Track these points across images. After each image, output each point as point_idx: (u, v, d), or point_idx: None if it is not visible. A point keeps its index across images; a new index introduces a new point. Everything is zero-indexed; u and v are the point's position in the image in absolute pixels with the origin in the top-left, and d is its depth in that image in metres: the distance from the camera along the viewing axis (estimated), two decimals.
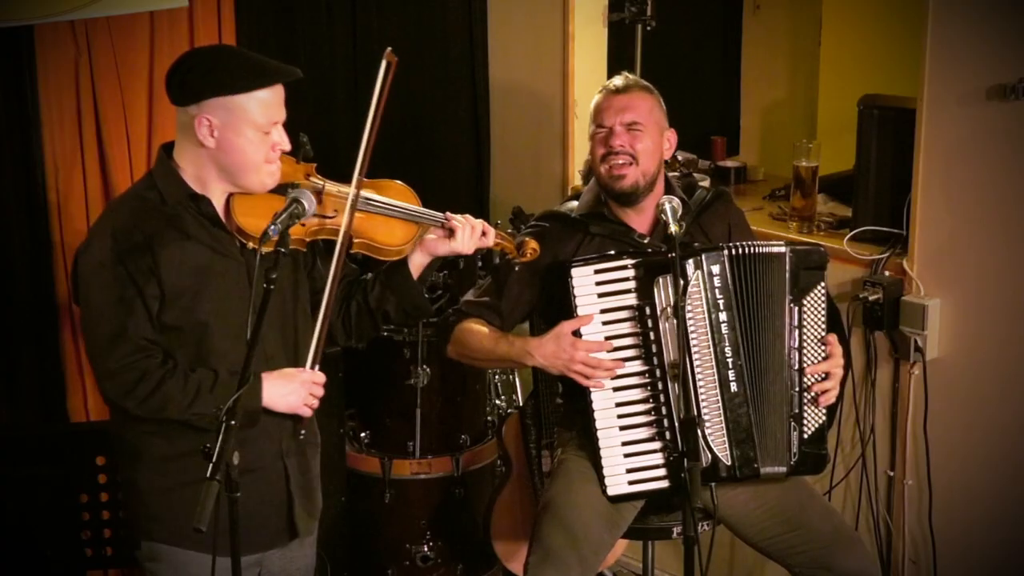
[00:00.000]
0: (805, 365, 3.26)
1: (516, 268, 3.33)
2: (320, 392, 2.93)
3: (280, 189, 2.89)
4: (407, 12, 4.62)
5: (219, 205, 2.88)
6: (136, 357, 2.82)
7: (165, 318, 2.84)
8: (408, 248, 3.04)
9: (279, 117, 2.85)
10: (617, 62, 4.55)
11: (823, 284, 3.27)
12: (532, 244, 3.18)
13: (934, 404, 3.79)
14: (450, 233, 3.05)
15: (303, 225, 2.89)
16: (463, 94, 4.73)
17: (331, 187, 2.97)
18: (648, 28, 4.45)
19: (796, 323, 3.25)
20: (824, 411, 3.29)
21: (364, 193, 2.98)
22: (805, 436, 3.27)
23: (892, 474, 3.92)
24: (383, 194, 3.03)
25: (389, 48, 2.99)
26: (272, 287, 2.63)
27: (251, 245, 2.87)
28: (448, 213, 3.06)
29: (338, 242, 2.93)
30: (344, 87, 4.50)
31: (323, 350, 2.94)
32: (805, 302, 3.26)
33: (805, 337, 3.26)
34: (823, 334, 3.27)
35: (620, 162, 3.30)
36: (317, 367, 2.92)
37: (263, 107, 2.81)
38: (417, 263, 3.07)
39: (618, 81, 3.38)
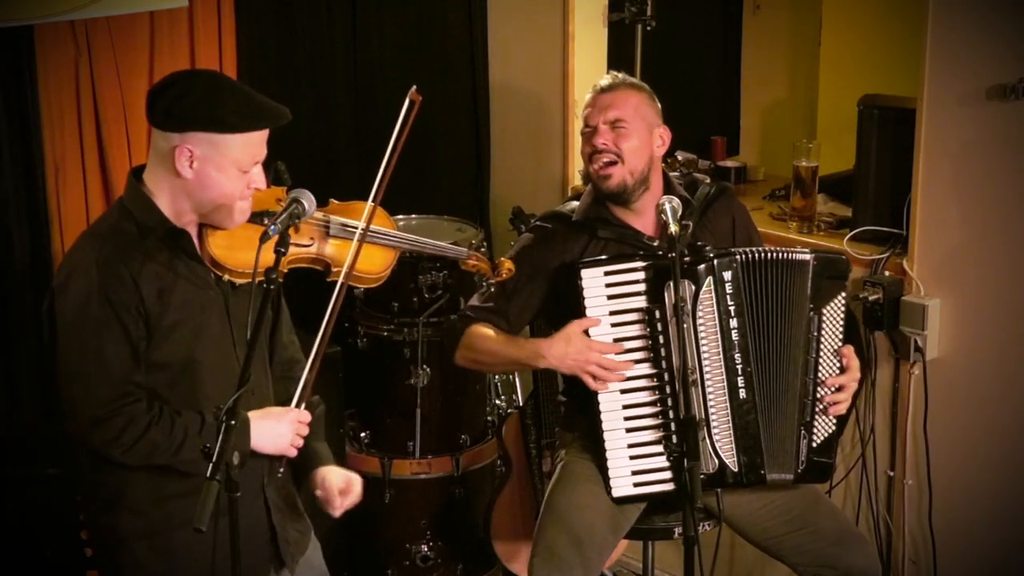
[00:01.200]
0: (820, 375, 3.25)
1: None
2: (306, 431, 2.87)
3: (255, 217, 2.82)
4: (407, 12, 4.62)
5: (193, 236, 2.80)
6: (124, 402, 2.71)
7: (154, 357, 2.75)
8: (386, 275, 2.99)
9: (261, 156, 2.77)
10: (617, 62, 4.54)
11: (844, 294, 3.27)
12: (507, 264, 3.20)
13: (934, 404, 3.78)
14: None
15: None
16: (463, 94, 4.73)
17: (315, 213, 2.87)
18: (648, 28, 4.44)
19: (815, 332, 3.24)
20: (834, 421, 3.28)
21: (340, 219, 2.91)
22: (814, 445, 3.27)
23: (892, 474, 3.92)
24: (356, 218, 2.94)
25: (414, 87, 2.91)
26: (272, 287, 2.63)
27: (226, 277, 2.80)
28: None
29: (340, 277, 2.86)
30: (344, 87, 4.50)
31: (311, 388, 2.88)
32: (825, 311, 3.24)
33: (823, 347, 3.24)
34: (839, 345, 3.26)
35: (605, 161, 3.29)
36: (303, 406, 2.86)
37: (249, 147, 2.73)
38: None
39: (604, 80, 3.37)
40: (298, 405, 2.85)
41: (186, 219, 2.79)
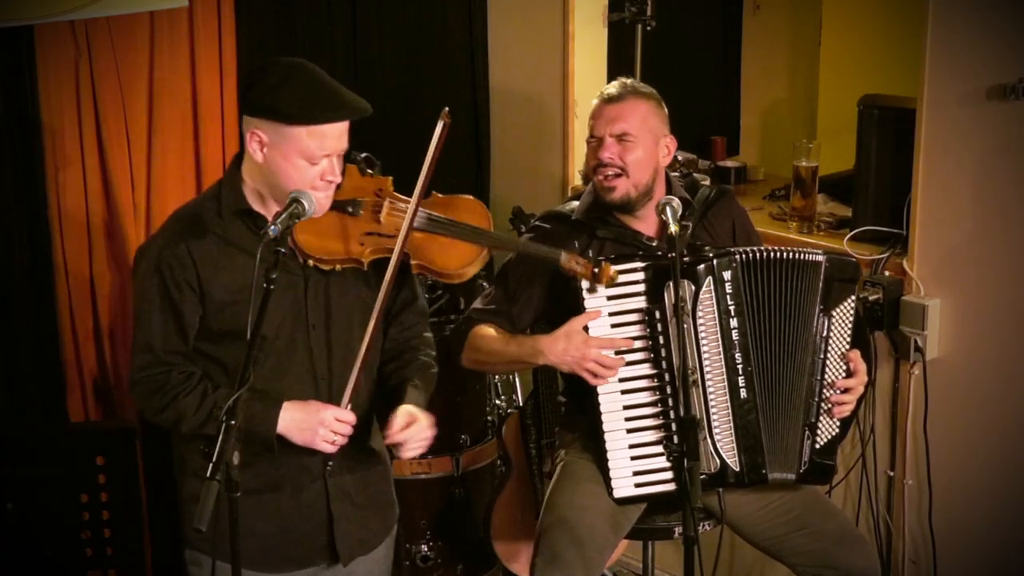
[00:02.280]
0: (827, 377, 3.24)
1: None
2: (345, 431, 2.87)
3: (341, 205, 2.85)
4: (407, 12, 4.61)
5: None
6: (158, 370, 2.84)
7: (215, 326, 2.84)
8: (470, 271, 2.94)
9: (333, 149, 2.78)
10: (617, 62, 4.55)
11: (854, 297, 3.26)
12: (609, 270, 3.08)
13: (934, 404, 3.78)
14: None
15: (361, 244, 2.85)
16: (463, 94, 4.73)
17: (399, 204, 2.89)
18: (648, 28, 4.45)
19: (824, 334, 3.23)
20: (839, 424, 3.28)
21: (425, 211, 2.89)
22: (817, 446, 3.27)
23: (892, 474, 3.92)
24: (451, 212, 2.93)
25: (447, 108, 2.91)
26: (272, 287, 2.62)
27: (311, 262, 2.84)
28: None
29: (388, 271, 2.84)
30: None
31: (360, 387, 2.88)
32: (835, 313, 3.24)
33: (831, 349, 3.24)
34: (847, 347, 3.25)
35: (610, 174, 3.27)
36: (350, 405, 2.87)
37: (316, 139, 2.75)
38: None
39: (613, 88, 3.32)
40: (346, 404, 2.86)
41: (269, 201, 2.85)
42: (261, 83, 2.78)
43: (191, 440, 2.90)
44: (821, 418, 3.26)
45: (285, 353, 2.88)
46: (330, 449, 2.87)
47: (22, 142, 3.79)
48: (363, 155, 2.95)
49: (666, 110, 3.35)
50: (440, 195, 2.99)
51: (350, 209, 2.85)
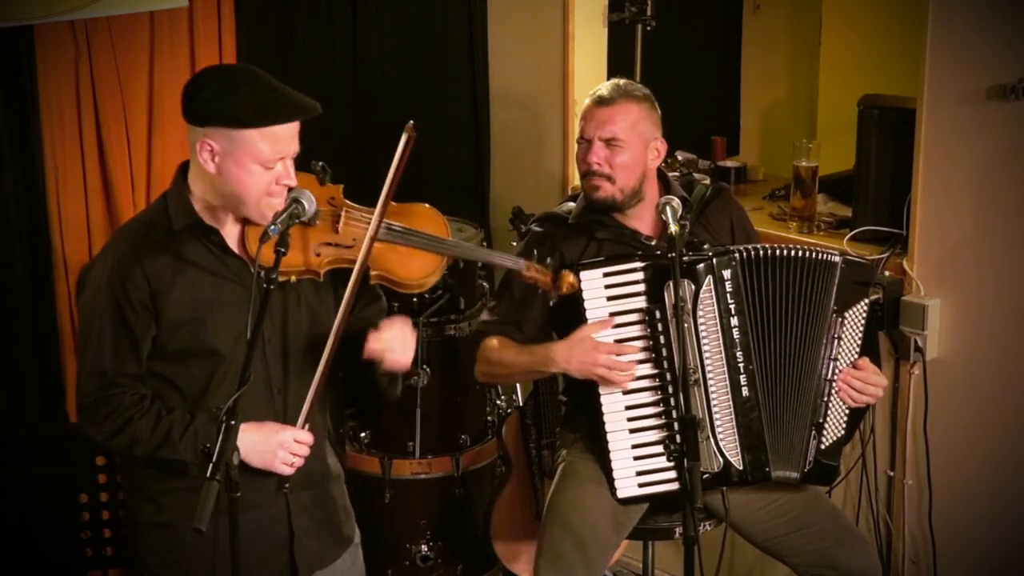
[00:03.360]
0: (836, 377, 3.24)
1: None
2: (303, 452, 2.82)
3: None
4: (407, 12, 4.62)
5: (231, 232, 2.79)
6: (110, 392, 2.76)
7: (169, 346, 2.77)
8: (431, 281, 2.89)
9: (287, 152, 2.73)
10: (617, 62, 4.55)
11: (867, 300, 3.25)
12: (569, 278, 3.08)
13: (934, 404, 3.78)
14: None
15: (318, 255, 2.80)
16: (463, 94, 4.73)
17: (354, 213, 2.84)
18: (648, 28, 4.44)
19: (836, 334, 3.22)
20: (845, 425, 3.28)
21: (384, 221, 2.83)
22: (823, 447, 3.27)
23: (892, 474, 3.92)
24: (407, 221, 2.88)
25: (411, 122, 2.83)
26: (272, 287, 2.61)
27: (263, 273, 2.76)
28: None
29: (350, 282, 2.79)
30: (344, 87, 4.50)
31: (316, 408, 2.83)
32: (848, 315, 3.23)
33: (842, 350, 3.24)
34: (859, 348, 3.25)
35: (595, 178, 3.26)
36: (307, 426, 2.82)
37: (270, 141, 2.70)
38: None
39: (604, 90, 3.29)
40: (303, 424, 2.81)
41: (219, 214, 2.79)
42: (206, 91, 2.72)
43: (145, 465, 2.82)
44: (829, 418, 3.26)
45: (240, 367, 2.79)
46: (288, 471, 2.82)
47: (22, 142, 3.79)
48: (319, 163, 2.87)
49: (659, 111, 3.34)
50: (395, 203, 2.91)
51: (306, 219, 2.78)
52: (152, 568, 2.91)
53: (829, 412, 3.26)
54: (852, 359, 3.25)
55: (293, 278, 2.81)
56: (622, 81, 3.35)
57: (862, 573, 3.26)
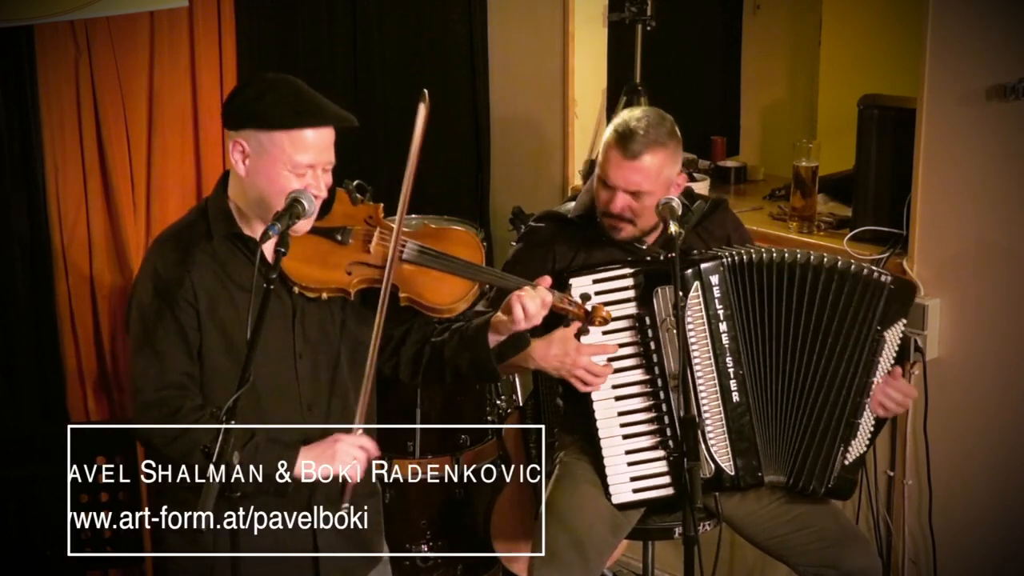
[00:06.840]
0: (869, 397, 3.23)
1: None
2: (362, 456, 2.80)
3: (330, 233, 2.78)
4: (407, 12, 4.62)
5: (266, 244, 2.71)
6: (173, 392, 2.74)
7: (204, 351, 2.77)
8: (460, 307, 2.85)
9: (319, 161, 2.71)
10: (617, 62, 4.55)
11: (905, 321, 3.24)
12: (602, 312, 3.00)
13: (934, 404, 3.78)
14: (507, 309, 2.86)
15: (349, 274, 2.79)
16: (463, 94, 4.73)
17: (388, 234, 2.80)
18: (648, 28, 4.44)
19: (874, 356, 3.21)
20: (868, 441, 3.28)
21: (416, 243, 2.82)
22: (847, 462, 3.27)
23: (892, 474, 3.91)
24: (444, 245, 2.85)
25: (425, 91, 2.85)
26: (271, 287, 2.60)
27: (297, 290, 2.78)
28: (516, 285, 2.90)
29: (381, 298, 2.76)
30: (344, 87, 4.50)
31: (368, 414, 2.81)
32: (887, 335, 3.22)
33: (879, 369, 3.23)
34: (890, 368, 3.24)
35: (617, 223, 3.24)
36: (361, 431, 2.81)
37: (299, 147, 2.68)
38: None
39: (631, 139, 3.17)
40: (358, 431, 2.80)
41: (253, 223, 2.78)
42: (242, 94, 2.75)
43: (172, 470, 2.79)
44: (857, 435, 3.26)
45: (272, 381, 2.80)
46: (358, 469, 2.80)
47: (22, 142, 3.79)
48: (355, 182, 2.85)
49: (680, 141, 3.27)
50: (433, 226, 2.91)
51: (339, 237, 2.78)
52: (171, 572, 2.91)
53: (860, 429, 3.26)
54: (885, 372, 3.25)
55: (324, 295, 2.79)
56: (647, 119, 3.23)
57: (863, 573, 3.27)
